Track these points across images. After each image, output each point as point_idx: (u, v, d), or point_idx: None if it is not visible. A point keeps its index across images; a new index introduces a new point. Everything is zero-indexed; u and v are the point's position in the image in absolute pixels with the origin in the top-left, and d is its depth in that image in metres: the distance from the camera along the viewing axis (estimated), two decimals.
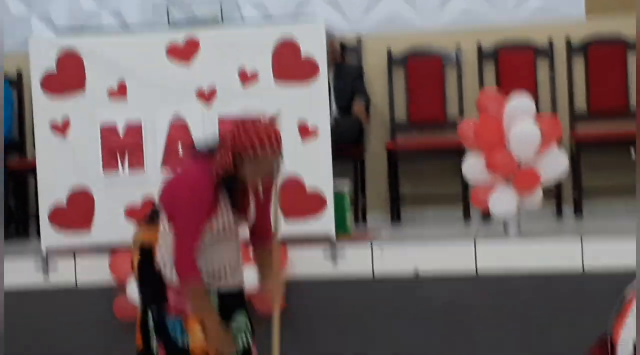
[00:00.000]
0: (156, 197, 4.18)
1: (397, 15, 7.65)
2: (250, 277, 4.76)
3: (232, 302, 4.19)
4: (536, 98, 6.83)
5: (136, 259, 4.19)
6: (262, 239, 4.27)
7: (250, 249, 4.34)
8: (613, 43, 7.33)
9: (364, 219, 7.32)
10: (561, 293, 5.35)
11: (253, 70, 5.73)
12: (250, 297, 4.51)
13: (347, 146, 7.03)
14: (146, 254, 4.14)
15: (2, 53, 5.79)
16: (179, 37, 5.79)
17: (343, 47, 7.42)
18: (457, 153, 6.78)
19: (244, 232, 4.23)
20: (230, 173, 3.96)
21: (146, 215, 4.29)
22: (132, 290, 5.42)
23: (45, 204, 5.77)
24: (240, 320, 4.22)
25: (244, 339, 4.22)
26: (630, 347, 2.77)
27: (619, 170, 7.00)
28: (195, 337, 4.10)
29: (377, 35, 7.62)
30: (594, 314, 5.13)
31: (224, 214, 4.04)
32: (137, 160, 5.74)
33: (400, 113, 7.53)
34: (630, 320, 2.83)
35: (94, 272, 5.63)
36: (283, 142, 3.97)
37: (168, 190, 4.06)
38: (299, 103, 5.68)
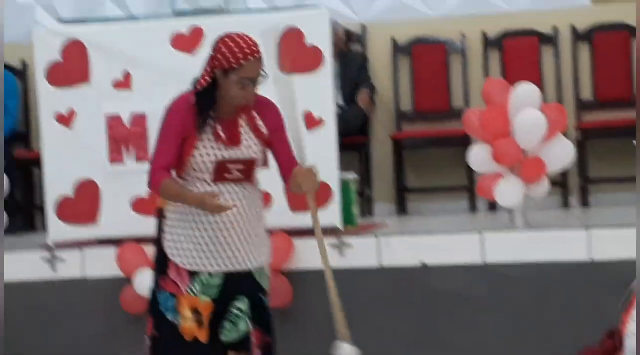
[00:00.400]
0: None
1: (402, 4, 7.62)
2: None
3: (236, 286, 4.12)
4: (541, 86, 6.82)
5: (155, 226, 4.16)
6: (289, 166, 4.14)
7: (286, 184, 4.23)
8: (618, 30, 7.31)
9: (370, 210, 7.32)
10: (568, 283, 5.34)
11: None
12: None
13: (353, 137, 7.03)
14: (160, 217, 4.11)
15: (2, 43, 5.77)
16: (184, 26, 5.77)
17: (348, 35, 7.40)
18: (463, 143, 6.78)
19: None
20: (209, 93, 3.91)
21: None
22: (139, 282, 5.43)
23: (51, 197, 5.77)
24: (240, 305, 4.13)
25: (243, 326, 4.16)
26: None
27: (625, 159, 6.98)
28: (186, 318, 4.08)
29: (381, 23, 7.60)
30: (602, 304, 5.15)
31: (209, 143, 3.97)
32: (142, 151, 5.72)
33: (405, 102, 7.52)
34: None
35: (101, 264, 5.63)
36: (263, 54, 3.91)
37: None
38: (304, 92, 5.63)
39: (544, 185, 5.67)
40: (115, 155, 5.73)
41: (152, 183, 4.02)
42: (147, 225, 5.66)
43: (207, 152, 3.98)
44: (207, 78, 3.92)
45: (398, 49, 7.54)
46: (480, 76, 7.33)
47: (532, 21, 7.43)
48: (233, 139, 4.00)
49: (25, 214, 7.52)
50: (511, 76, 6.87)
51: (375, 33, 7.60)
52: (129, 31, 5.88)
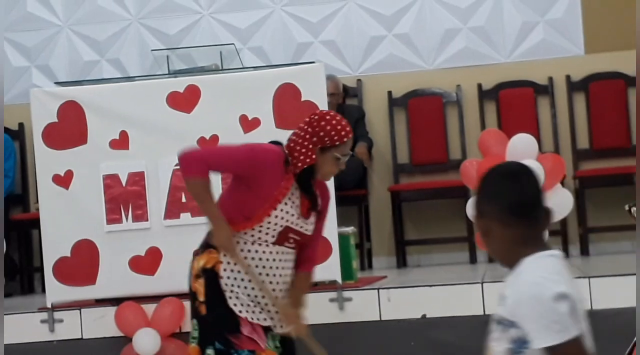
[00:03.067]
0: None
1: (396, 57, 7.66)
2: None
3: (286, 346, 4.12)
4: (538, 136, 6.83)
5: (201, 287, 4.05)
6: (304, 262, 4.17)
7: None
8: (613, 79, 7.34)
9: (370, 264, 7.30)
10: None
11: (254, 115, 5.71)
12: None
13: (351, 190, 7.03)
14: (212, 277, 4.03)
15: (2, 102, 5.78)
16: (180, 85, 5.79)
17: (345, 89, 7.44)
18: (461, 194, 6.79)
19: None
20: (310, 168, 3.95)
21: (200, 245, 4.16)
22: (139, 341, 5.40)
23: (49, 258, 5.73)
24: None
25: None
26: None
27: (624, 207, 6.96)
28: None
29: (377, 77, 7.65)
30: (603, 353, 5.11)
31: (287, 209, 3.98)
32: (140, 210, 5.71)
33: (403, 155, 7.53)
34: None
35: (100, 324, 5.61)
36: None
37: None
38: None
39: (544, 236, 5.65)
40: (112, 215, 5.71)
41: (192, 170, 3.96)
42: (145, 285, 5.67)
43: (282, 216, 3.99)
44: (312, 155, 3.94)
45: (394, 102, 7.57)
46: (477, 127, 7.36)
47: (527, 72, 7.47)
48: (308, 212, 4.06)
49: (24, 277, 7.50)
50: (508, 127, 6.90)
51: (371, 87, 7.65)
52: (125, 91, 5.88)
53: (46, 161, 5.79)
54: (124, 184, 5.75)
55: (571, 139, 7.36)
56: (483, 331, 5.31)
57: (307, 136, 3.96)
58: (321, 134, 3.93)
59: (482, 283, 5.49)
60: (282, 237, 4.03)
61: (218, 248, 4.02)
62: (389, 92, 7.57)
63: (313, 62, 5.91)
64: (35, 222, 6.13)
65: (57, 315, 5.70)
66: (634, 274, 5.27)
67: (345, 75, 7.61)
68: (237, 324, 4.01)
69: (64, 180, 5.77)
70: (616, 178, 6.99)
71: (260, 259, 4.04)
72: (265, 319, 4.05)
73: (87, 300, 5.79)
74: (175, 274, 5.64)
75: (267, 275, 4.05)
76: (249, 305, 4.03)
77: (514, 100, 7.43)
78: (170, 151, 5.69)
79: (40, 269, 6.12)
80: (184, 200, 5.70)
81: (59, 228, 5.73)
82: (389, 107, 7.57)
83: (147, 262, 5.67)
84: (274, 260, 4.05)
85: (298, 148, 3.96)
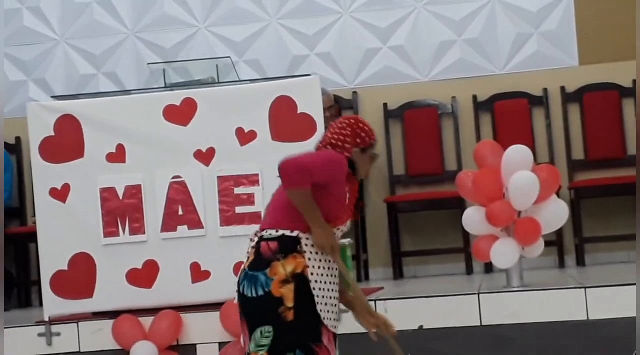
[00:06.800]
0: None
1: (392, 69, 7.69)
2: None
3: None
4: (533, 147, 6.86)
5: (290, 292, 3.86)
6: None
7: None
8: (607, 90, 7.37)
9: (367, 275, 7.32)
10: (565, 343, 5.32)
11: (250, 127, 5.74)
12: None
13: None
14: (302, 282, 3.88)
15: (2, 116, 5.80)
16: (176, 97, 5.81)
17: (337, 101, 7.47)
18: (457, 205, 6.81)
19: None
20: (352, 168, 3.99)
21: (276, 250, 3.93)
22: (136, 354, 5.41)
23: (46, 271, 5.75)
24: None
25: None
26: None
27: (619, 217, 7.02)
28: None
29: (372, 89, 7.67)
30: None
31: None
32: (137, 223, 5.73)
33: (398, 166, 7.55)
34: None
35: (97, 337, 5.62)
36: None
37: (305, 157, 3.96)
38: None
39: (539, 246, 5.67)
40: (109, 228, 5.73)
41: (298, 180, 3.86)
42: (142, 297, 5.69)
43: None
44: (348, 155, 3.95)
45: (389, 114, 7.60)
46: (472, 138, 7.38)
47: (522, 83, 7.50)
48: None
49: (21, 290, 7.51)
50: (503, 138, 6.93)
51: (366, 98, 7.67)
52: (122, 104, 5.90)
53: (43, 174, 5.81)
54: (120, 197, 5.77)
55: (566, 150, 7.39)
56: (479, 342, 5.36)
57: (349, 139, 3.99)
58: (362, 134, 3.96)
59: (478, 294, 5.50)
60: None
61: (303, 252, 3.91)
62: (385, 104, 7.60)
63: (309, 75, 5.93)
64: (32, 236, 6.14)
65: (55, 328, 5.71)
66: (630, 284, 5.30)
67: (340, 88, 7.65)
68: (320, 333, 3.88)
69: (60, 193, 5.79)
70: (611, 188, 7.02)
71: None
72: (334, 326, 3.96)
73: (84, 314, 5.80)
74: (172, 287, 5.69)
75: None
76: (328, 311, 3.92)
77: (509, 112, 7.46)
78: (167, 164, 5.75)
79: (38, 282, 6.13)
80: (180, 212, 5.73)
81: (56, 241, 5.75)
82: (385, 119, 7.60)
83: (144, 275, 5.69)
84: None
85: (340, 149, 3.98)
